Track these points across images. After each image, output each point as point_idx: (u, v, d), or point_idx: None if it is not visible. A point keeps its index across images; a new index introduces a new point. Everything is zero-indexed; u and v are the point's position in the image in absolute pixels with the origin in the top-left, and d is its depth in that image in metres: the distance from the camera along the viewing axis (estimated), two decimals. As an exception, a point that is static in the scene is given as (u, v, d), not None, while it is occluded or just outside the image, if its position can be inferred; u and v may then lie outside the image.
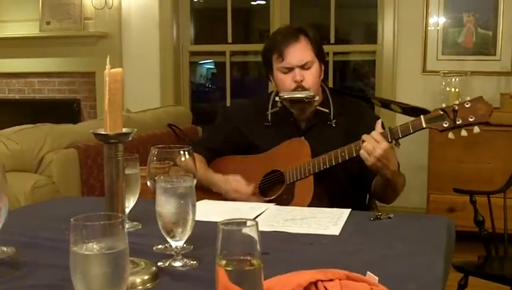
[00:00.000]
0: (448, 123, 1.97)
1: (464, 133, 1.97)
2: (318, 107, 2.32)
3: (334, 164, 2.14)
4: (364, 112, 2.40)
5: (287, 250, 1.53)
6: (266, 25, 5.47)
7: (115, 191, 1.29)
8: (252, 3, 6.29)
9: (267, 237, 1.61)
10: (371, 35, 5.25)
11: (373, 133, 2.03)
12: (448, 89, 4.54)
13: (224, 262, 0.87)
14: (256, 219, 1.73)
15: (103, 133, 1.26)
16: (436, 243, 1.59)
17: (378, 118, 2.20)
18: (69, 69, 5.63)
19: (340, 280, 1.02)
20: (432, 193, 4.36)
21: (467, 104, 1.96)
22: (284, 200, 2.21)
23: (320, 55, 2.32)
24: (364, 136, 2.03)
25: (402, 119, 2.30)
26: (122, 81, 1.28)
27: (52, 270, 1.35)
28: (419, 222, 1.85)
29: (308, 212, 1.89)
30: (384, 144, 1.99)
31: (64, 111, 5.51)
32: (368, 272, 1.15)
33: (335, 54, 5.26)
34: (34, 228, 1.69)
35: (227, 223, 0.89)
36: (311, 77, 2.27)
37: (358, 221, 1.80)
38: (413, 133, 2.04)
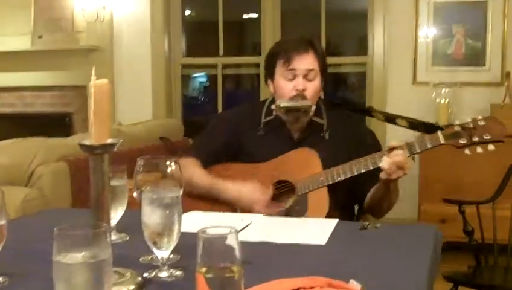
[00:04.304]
0: (465, 140, 2.03)
1: (479, 150, 2.03)
2: (313, 118, 2.32)
3: (348, 175, 2.13)
4: (360, 128, 2.41)
5: (273, 259, 1.53)
6: (258, 37, 5.49)
7: (101, 202, 1.30)
8: (244, 16, 6.32)
9: (254, 247, 1.61)
10: (361, 47, 5.28)
11: (400, 155, 2.03)
12: (438, 100, 4.57)
13: (204, 269, 0.88)
14: (244, 229, 1.76)
15: (88, 144, 1.27)
16: (421, 252, 1.59)
17: (373, 133, 2.21)
18: (60, 82, 5.63)
19: (321, 287, 1.03)
20: (423, 204, 4.37)
21: (481, 122, 2.03)
22: (297, 211, 2.18)
23: (324, 70, 2.32)
24: (388, 159, 2.03)
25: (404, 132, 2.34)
26: (108, 92, 1.28)
27: (39, 281, 1.35)
28: (406, 231, 1.85)
29: (295, 223, 1.90)
30: (407, 168, 2.02)
31: (56, 125, 5.51)
32: (351, 280, 1.15)
33: (326, 66, 5.28)
34: (22, 239, 1.69)
35: (207, 230, 0.90)
36: (312, 89, 2.27)
37: (345, 231, 1.80)
38: (430, 149, 2.06)
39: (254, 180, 2.23)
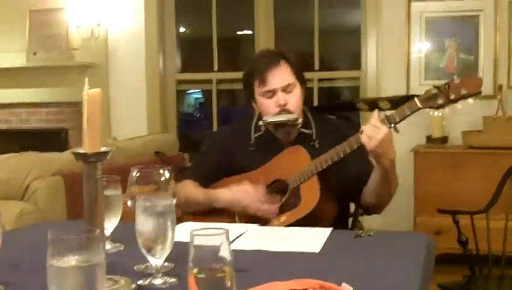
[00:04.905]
0: (442, 100, 2.03)
1: (459, 106, 2.03)
2: (301, 129, 2.34)
3: (336, 159, 2.14)
4: (349, 130, 2.42)
5: (267, 267, 1.54)
6: (252, 54, 5.51)
7: (94, 210, 1.31)
8: (238, 32, 6.36)
9: (248, 255, 1.63)
10: (355, 62, 5.31)
11: (372, 120, 2.05)
12: (431, 113, 4.57)
13: (195, 270, 0.89)
14: (239, 238, 1.77)
15: (82, 152, 1.28)
16: (415, 259, 1.60)
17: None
18: (56, 99, 5.64)
19: (313, 289, 1.04)
20: (419, 216, 4.39)
21: (457, 80, 2.03)
22: (291, 204, 2.21)
23: (301, 78, 2.35)
24: (363, 126, 2.06)
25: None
26: (101, 102, 1.30)
27: (38, 288, 1.36)
28: (399, 240, 1.87)
29: (289, 232, 1.91)
30: (384, 129, 2.02)
31: (51, 141, 5.49)
32: (343, 283, 1.16)
33: (320, 80, 5.31)
34: (18, 250, 1.70)
35: (199, 231, 0.91)
36: (294, 100, 2.29)
37: (339, 239, 1.81)
38: (409, 115, 2.06)
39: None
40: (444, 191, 4.27)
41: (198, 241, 0.90)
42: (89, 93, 1.27)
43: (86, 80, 1.28)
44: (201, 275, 0.89)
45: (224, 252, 0.91)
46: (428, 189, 4.35)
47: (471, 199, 4.09)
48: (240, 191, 2.24)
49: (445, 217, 3.05)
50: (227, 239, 0.92)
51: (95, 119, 1.28)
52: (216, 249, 0.91)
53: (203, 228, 0.93)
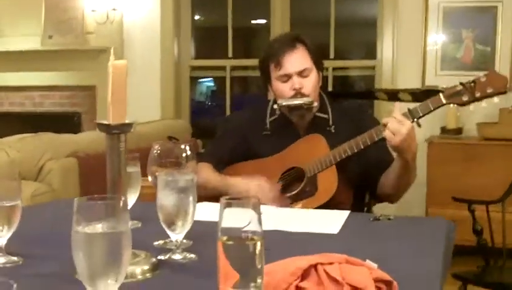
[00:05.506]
0: (467, 97, 2.02)
1: (484, 104, 2.02)
2: (317, 113, 2.33)
3: (356, 150, 2.12)
4: (365, 118, 2.40)
5: (287, 246, 1.53)
6: (267, 43, 5.47)
7: (117, 183, 1.30)
8: (253, 21, 6.34)
9: (267, 235, 1.61)
10: (371, 54, 5.27)
11: (394, 114, 2.02)
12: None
13: (225, 238, 0.88)
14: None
15: (106, 123, 1.27)
16: (434, 243, 1.59)
17: (379, 123, 2.21)
18: (70, 82, 5.64)
19: (339, 263, 1.03)
20: (430, 207, 4.36)
21: (483, 78, 2.01)
22: (307, 193, 2.19)
23: (318, 63, 2.32)
24: (386, 119, 2.03)
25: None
26: (126, 73, 1.30)
27: (52, 262, 1.36)
28: (418, 223, 1.86)
29: (308, 213, 1.90)
30: (408, 123, 1.99)
31: (64, 124, 5.49)
32: (367, 260, 1.15)
33: (334, 69, 5.29)
34: (35, 225, 1.70)
35: (229, 199, 0.90)
36: (310, 84, 2.27)
37: (357, 222, 1.81)
38: (433, 111, 2.05)
39: (264, 173, 2.23)
40: (457, 182, 4.24)
41: (228, 208, 0.89)
42: (115, 64, 1.27)
43: (112, 49, 1.28)
44: (230, 242, 0.88)
45: (254, 221, 0.90)
46: (442, 180, 4.32)
47: (486, 191, 4.06)
48: (255, 186, 2.20)
49: (458, 208, 3.04)
50: (259, 208, 0.91)
51: (120, 91, 1.28)
52: (246, 218, 0.90)
53: (234, 197, 0.92)
